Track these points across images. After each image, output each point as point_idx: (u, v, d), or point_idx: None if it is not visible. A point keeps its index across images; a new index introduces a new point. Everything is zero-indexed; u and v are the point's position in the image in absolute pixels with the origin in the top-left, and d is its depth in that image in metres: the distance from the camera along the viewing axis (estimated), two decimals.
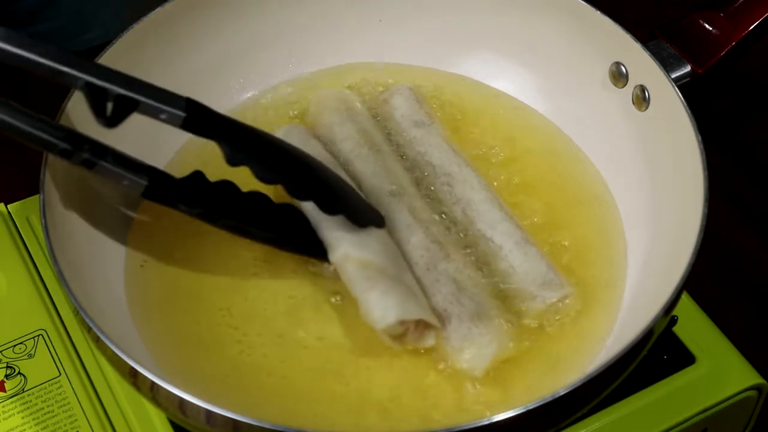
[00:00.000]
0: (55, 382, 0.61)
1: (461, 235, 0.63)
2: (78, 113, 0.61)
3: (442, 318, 0.58)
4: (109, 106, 0.51)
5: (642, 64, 0.64)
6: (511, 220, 0.63)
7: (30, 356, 0.62)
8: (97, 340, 0.52)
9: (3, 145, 0.77)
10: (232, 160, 0.54)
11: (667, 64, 0.66)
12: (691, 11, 0.71)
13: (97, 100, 0.51)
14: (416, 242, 0.61)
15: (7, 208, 0.70)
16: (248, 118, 0.69)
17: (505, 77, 0.72)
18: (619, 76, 0.66)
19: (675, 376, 0.61)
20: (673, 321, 0.63)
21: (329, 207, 0.58)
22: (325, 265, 0.61)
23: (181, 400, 0.49)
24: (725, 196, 0.76)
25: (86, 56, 0.62)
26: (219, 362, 0.58)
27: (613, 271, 0.62)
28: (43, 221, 0.56)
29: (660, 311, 0.52)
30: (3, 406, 0.60)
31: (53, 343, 0.63)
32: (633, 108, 0.65)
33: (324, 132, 0.68)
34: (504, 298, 0.60)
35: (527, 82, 0.72)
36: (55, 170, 0.58)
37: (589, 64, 0.68)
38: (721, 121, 0.83)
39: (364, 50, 0.73)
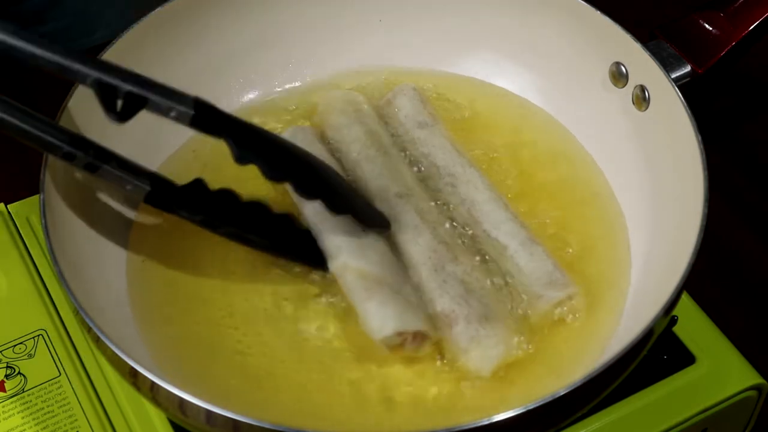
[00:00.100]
0: (55, 382, 0.61)
1: (467, 235, 0.63)
2: (80, 115, 0.61)
3: (450, 319, 0.58)
4: (119, 103, 0.52)
5: (642, 64, 0.64)
6: (516, 219, 0.63)
7: (30, 356, 0.62)
8: (97, 340, 0.52)
9: (3, 145, 0.77)
10: (240, 158, 0.54)
11: (667, 64, 0.66)
12: (691, 11, 0.71)
13: (106, 96, 0.51)
14: (424, 243, 0.61)
15: (7, 208, 0.70)
16: (248, 119, 0.69)
17: (505, 78, 0.72)
18: (619, 76, 0.66)
19: (675, 376, 0.61)
20: (673, 321, 0.63)
21: (336, 206, 0.58)
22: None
23: (181, 400, 0.49)
24: (725, 196, 0.76)
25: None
26: (219, 362, 0.58)
27: (617, 270, 0.62)
28: (43, 221, 0.56)
29: (660, 311, 0.52)
30: (3, 406, 0.60)
31: (53, 343, 0.63)
32: (633, 108, 0.65)
33: (332, 133, 0.68)
34: (510, 298, 0.60)
35: (527, 82, 0.72)
36: (55, 170, 0.58)
37: (589, 64, 0.68)
38: (721, 121, 0.83)
39: (365, 51, 0.73)
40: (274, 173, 0.55)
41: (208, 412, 0.49)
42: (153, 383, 0.50)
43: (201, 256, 0.62)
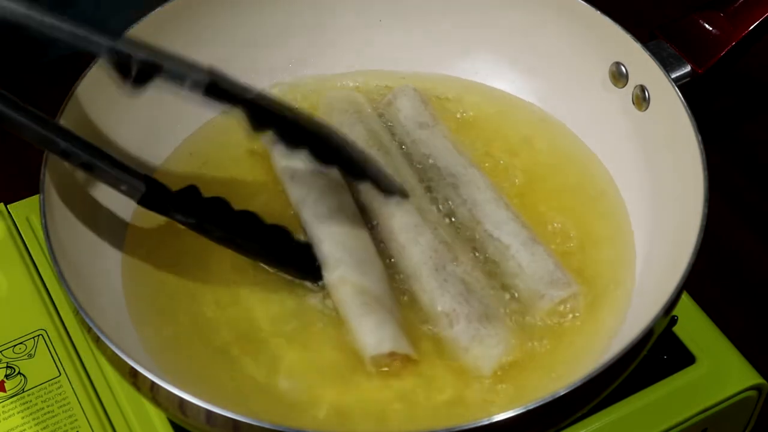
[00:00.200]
0: (55, 382, 0.61)
1: (468, 235, 0.63)
2: (80, 114, 0.61)
3: (450, 318, 0.58)
4: (133, 71, 0.53)
5: (642, 64, 0.64)
6: (517, 219, 0.63)
7: (30, 356, 0.62)
8: (97, 340, 0.52)
9: (3, 145, 0.77)
10: (256, 127, 0.54)
11: (667, 64, 0.66)
12: (691, 11, 0.71)
13: (120, 64, 0.52)
14: (425, 243, 0.61)
15: (7, 208, 0.69)
16: None
17: (505, 78, 0.72)
18: (619, 76, 0.66)
19: (675, 376, 0.61)
20: (673, 321, 0.63)
21: (353, 172, 0.59)
22: None
23: (181, 400, 0.49)
24: (725, 196, 0.76)
25: (83, 60, 0.62)
26: (218, 363, 0.58)
27: (623, 269, 0.62)
28: (43, 221, 0.56)
29: (660, 311, 0.52)
30: (3, 406, 0.60)
31: (53, 343, 0.63)
32: (633, 108, 0.65)
33: None
34: (512, 298, 0.60)
35: (527, 82, 0.72)
36: (55, 170, 0.58)
37: (589, 64, 0.68)
38: (721, 121, 0.83)
39: (365, 52, 0.73)
40: (291, 138, 0.56)
41: (208, 412, 0.49)
42: (153, 383, 0.50)
43: (200, 257, 0.62)
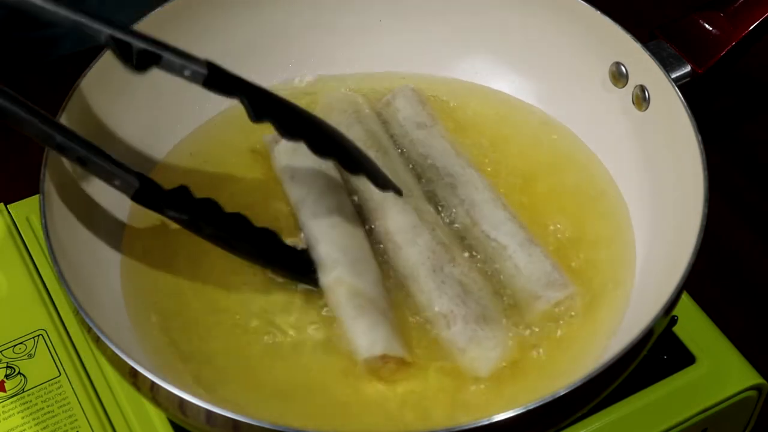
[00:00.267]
0: (55, 382, 0.61)
1: (466, 236, 0.63)
2: (78, 114, 0.61)
3: (448, 319, 0.58)
4: (134, 59, 0.54)
5: (642, 64, 0.64)
6: (515, 220, 0.63)
7: (30, 356, 0.62)
8: (97, 340, 0.52)
9: (3, 145, 0.77)
10: (256, 116, 0.55)
11: (667, 64, 0.66)
12: (691, 11, 0.71)
13: (121, 51, 0.53)
14: (423, 243, 0.61)
15: (7, 208, 0.70)
16: (246, 118, 0.69)
17: (505, 79, 0.72)
18: (619, 76, 0.66)
19: (675, 376, 0.61)
20: (673, 321, 0.63)
21: (350, 165, 0.59)
22: None
23: (181, 400, 0.49)
24: (725, 196, 0.76)
25: (84, 60, 0.62)
26: (217, 363, 0.58)
27: (623, 269, 0.62)
28: (43, 221, 0.56)
29: (660, 311, 0.52)
30: (3, 406, 0.60)
31: (53, 343, 0.63)
32: (633, 108, 0.65)
33: None
34: (509, 299, 0.60)
35: (527, 83, 0.72)
36: (55, 170, 0.58)
37: (589, 64, 0.68)
38: (721, 121, 0.83)
39: (365, 52, 0.73)
40: (289, 129, 0.56)
41: (208, 412, 0.49)
42: (153, 383, 0.50)
43: (199, 257, 0.62)
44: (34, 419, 0.60)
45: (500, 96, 0.72)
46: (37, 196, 0.57)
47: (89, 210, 0.61)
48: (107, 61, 0.63)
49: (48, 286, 0.65)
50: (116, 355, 0.51)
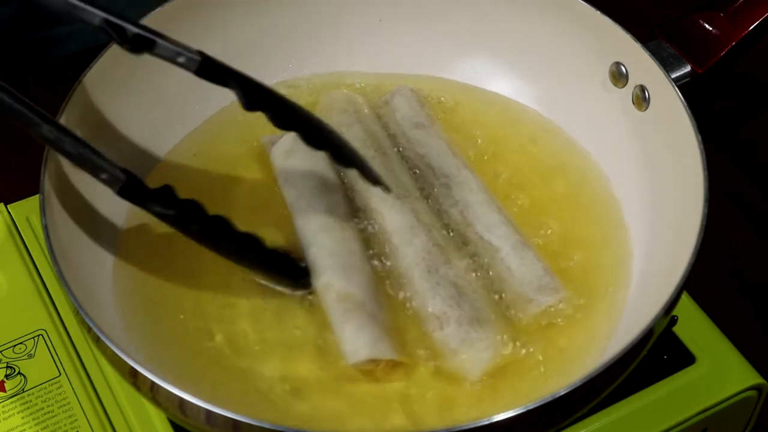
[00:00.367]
0: (55, 382, 0.61)
1: (460, 237, 0.63)
2: (82, 110, 0.61)
3: (441, 321, 0.58)
4: (128, 41, 0.54)
5: (642, 64, 0.64)
6: (509, 222, 0.63)
7: (30, 356, 0.62)
8: (97, 340, 0.52)
9: (3, 145, 0.77)
10: (249, 106, 0.55)
11: (667, 64, 0.66)
12: (691, 11, 0.71)
13: (117, 34, 0.54)
14: (419, 244, 0.61)
15: (7, 208, 0.70)
16: (246, 117, 0.69)
17: (505, 79, 0.72)
18: (619, 76, 0.66)
19: (675, 376, 0.61)
20: (673, 321, 0.63)
21: (342, 159, 0.59)
22: None
23: (181, 400, 0.49)
24: (725, 196, 0.76)
25: (84, 60, 0.62)
26: (217, 364, 0.58)
27: (618, 271, 0.62)
28: (43, 221, 0.56)
29: (660, 311, 0.52)
30: (3, 406, 0.60)
31: (53, 343, 0.63)
32: (633, 108, 0.65)
33: None
34: (501, 302, 0.60)
35: (527, 82, 0.71)
36: (55, 170, 0.58)
37: (588, 64, 0.68)
38: (721, 121, 0.83)
39: (365, 52, 0.73)
40: (281, 122, 0.56)
41: (208, 412, 0.49)
42: (153, 383, 0.50)
43: (199, 256, 0.62)
44: (34, 419, 0.60)
45: (499, 97, 0.72)
46: (37, 196, 0.57)
47: (89, 210, 0.61)
48: (108, 60, 0.63)
49: (48, 286, 0.65)
50: (116, 355, 0.51)
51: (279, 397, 0.56)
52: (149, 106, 0.67)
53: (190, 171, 0.67)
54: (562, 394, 0.49)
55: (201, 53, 0.55)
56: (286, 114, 0.57)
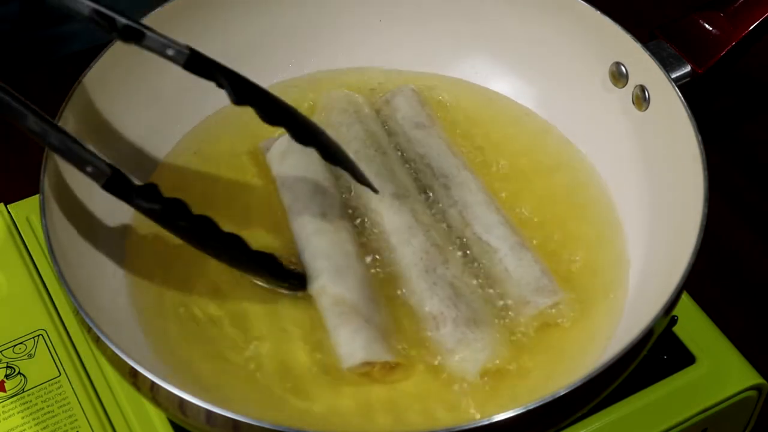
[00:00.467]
0: (55, 382, 0.61)
1: (458, 238, 0.63)
2: (78, 112, 0.61)
3: (438, 321, 0.58)
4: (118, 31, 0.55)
5: (642, 64, 0.64)
6: (507, 223, 0.63)
7: (30, 356, 0.62)
8: (97, 340, 0.52)
9: (3, 145, 0.77)
10: (237, 101, 0.56)
11: (667, 64, 0.66)
12: (691, 11, 0.71)
13: (108, 23, 0.55)
14: (417, 244, 0.61)
15: (7, 208, 0.70)
16: (246, 117, 0.69)
17: (505, 79, 0.72)
18: (619, 76, 0.66)
19: (675, 376, 0.61)
20: (673, 321, 0.63)
21: (329, 156, 0.59)
22: None
23: (181, 400, 0.49)
24: (725, 196, 0.76)
25: (84, 60, 0.62)
26: (218, 364, 0.58)
27: (616, 271, 0.62)
28: (43, 221, 0.56)
29: (660, 311, 0.52)
30: (3, 406, 0.60)
31: (53, 343, 0.63)
32: (633, 108, 0.65)
33: (332, 132, 0.68)
34: (498, 303, 0.60)
35: (527, 83, 0.71)
36: (54, 170, 0.58)
37: (589, 64, 0.68)
38: (721, 121, 0.83)
39: (365, 51, 0.73)
40: (268, 117, 0.57)
41: (208, 412, 0.49)
42: (153, 383, 0.50)
43: (199, 257, 0.62)
44: (34, 419, 0.60)
45: (499, 97, 0.72)
46: (37, 196, 0.57)
47: (89, 210, 0.61)
48: (108, 60, 0.63)
49: (48, 286, 0.65)
50: (116, 355, 0.51)
51: (279, 397, 0.56)
52: (149, 106, 0.67)
53: (191, 170, 0.67)
54: (562, 394, 0.49)
55: (189, 47, 0.55)
56: (272, 109, 0.58)
